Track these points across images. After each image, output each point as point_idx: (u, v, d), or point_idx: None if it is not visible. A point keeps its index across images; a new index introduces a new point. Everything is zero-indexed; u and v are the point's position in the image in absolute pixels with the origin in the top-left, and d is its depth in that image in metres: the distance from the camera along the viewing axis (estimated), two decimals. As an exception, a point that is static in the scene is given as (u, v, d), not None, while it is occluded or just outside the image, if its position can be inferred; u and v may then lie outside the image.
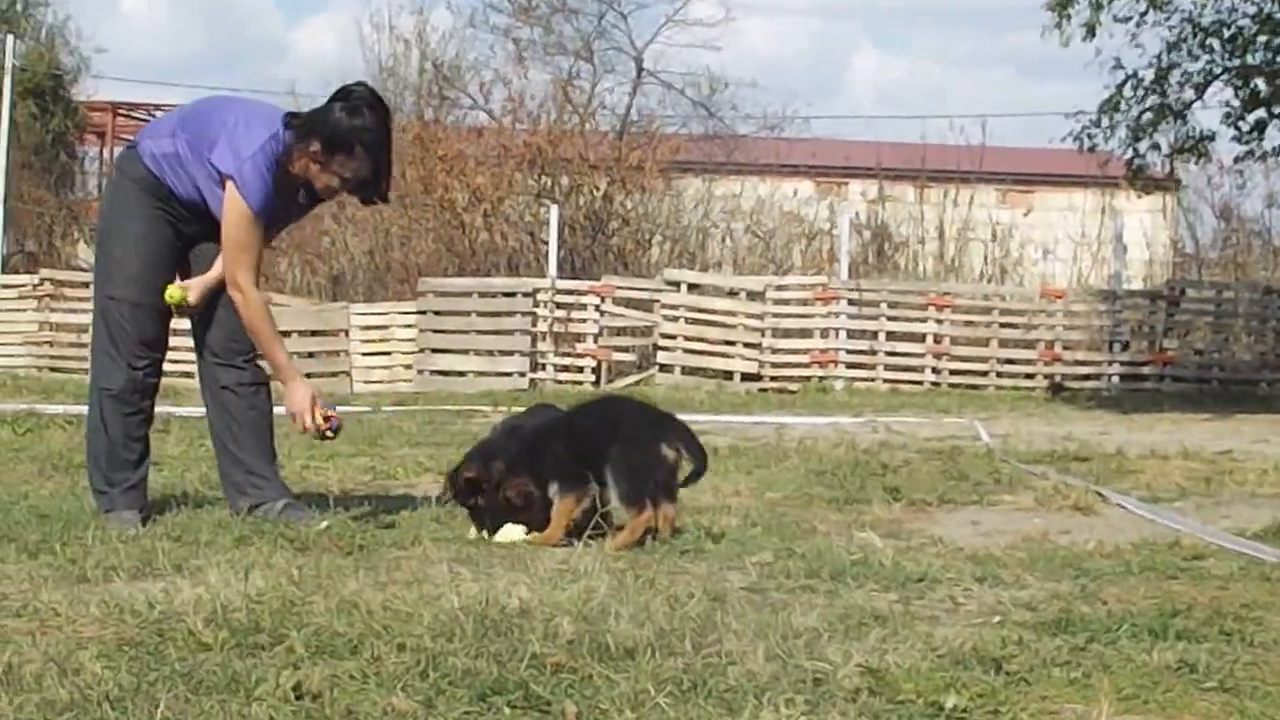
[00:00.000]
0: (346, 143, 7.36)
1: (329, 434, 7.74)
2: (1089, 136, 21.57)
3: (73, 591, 5.72)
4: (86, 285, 22.17)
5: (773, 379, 22.60)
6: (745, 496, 9.37)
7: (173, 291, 7.66)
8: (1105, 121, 21.38)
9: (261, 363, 7.86)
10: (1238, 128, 21.39)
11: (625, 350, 23.19)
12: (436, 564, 6.56)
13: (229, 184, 7.39)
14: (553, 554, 7.04)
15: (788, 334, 22.98)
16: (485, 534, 7.24)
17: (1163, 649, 4.96)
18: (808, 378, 22.58)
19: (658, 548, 7.27)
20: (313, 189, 7.59)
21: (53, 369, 23.43)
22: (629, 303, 23.16)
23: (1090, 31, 19.68)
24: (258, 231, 7.52)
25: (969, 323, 23.13)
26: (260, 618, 5.31)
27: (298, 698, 4.33)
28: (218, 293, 7.63)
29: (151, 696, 4.28)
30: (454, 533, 7.69)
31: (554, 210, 24.20)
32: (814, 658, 4.78)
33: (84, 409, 8.58)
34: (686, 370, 22.74)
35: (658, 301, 23.05)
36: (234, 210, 7.41)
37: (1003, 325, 23.14)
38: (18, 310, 24.48)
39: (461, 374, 22.40)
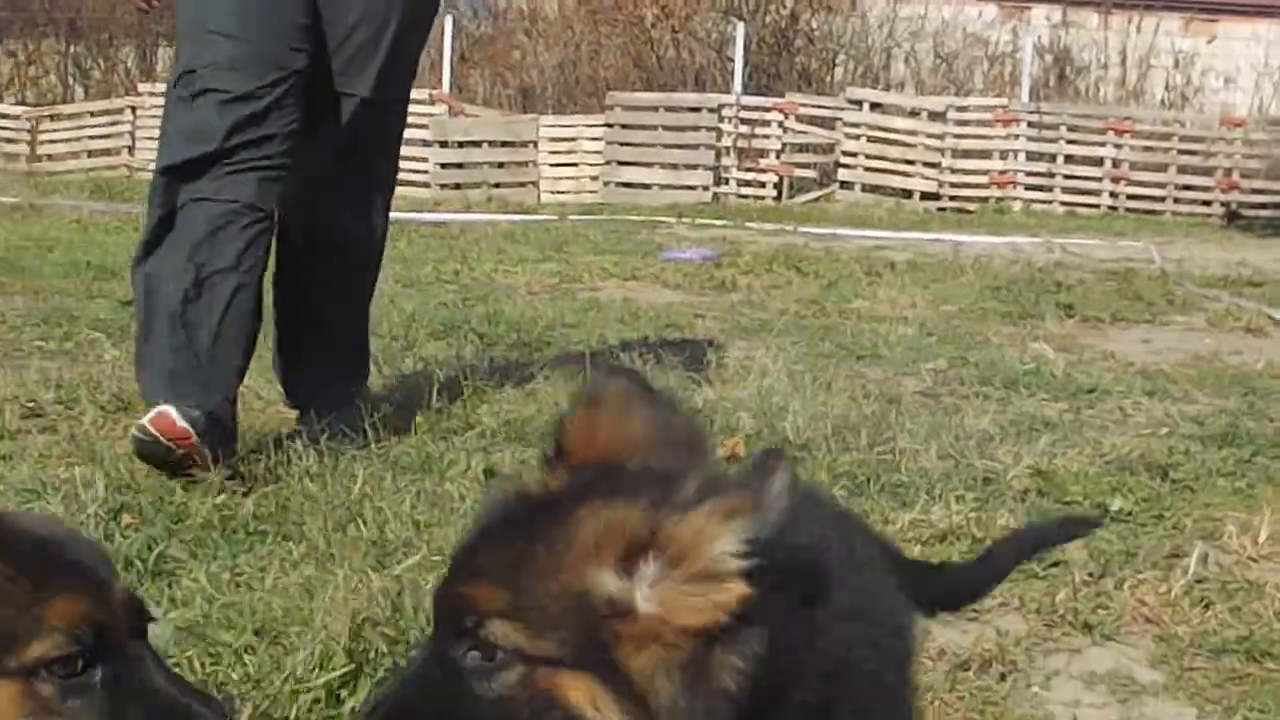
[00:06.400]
0: None
1: None
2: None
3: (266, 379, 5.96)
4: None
5: (951, 198, 22.56)
6: (921, 308, 9.57)
7: None
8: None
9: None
10: None
11: (807, 167, 23.28)
12: (619, 361, 6.89)
13: None
14: (734, 351, 7.35)
15: (967, 154, 22.88)
16: None
17: (1327, 463, 5.06)
18: (986, 198, 22.49)
19: (835, 352, 7.52)
20: None
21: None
22: (812, 120, 23.18)
23: None
24: None
25: (1148, 148, 22.83)
26: (453, 406, 5.65)
27: (488, 478, 4.63)
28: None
29: (350, 472, 4.67)
30: (637, 333, 8.03)
31: (740, 27, 24.21)
32: (985, 458, 5.08)
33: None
34: (866, 188, 22.76)
35: (840, 120, 23.04)
36: None
37: (1181, 152, 22.79)
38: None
39: (646, 186, 22.55)
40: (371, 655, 3.23)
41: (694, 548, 1.79)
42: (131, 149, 24.53)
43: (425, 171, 22.22)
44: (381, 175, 5.61)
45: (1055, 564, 4.11)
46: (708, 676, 1.82)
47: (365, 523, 4.14)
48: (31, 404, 5.74)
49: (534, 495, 2.00)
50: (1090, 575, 4.07)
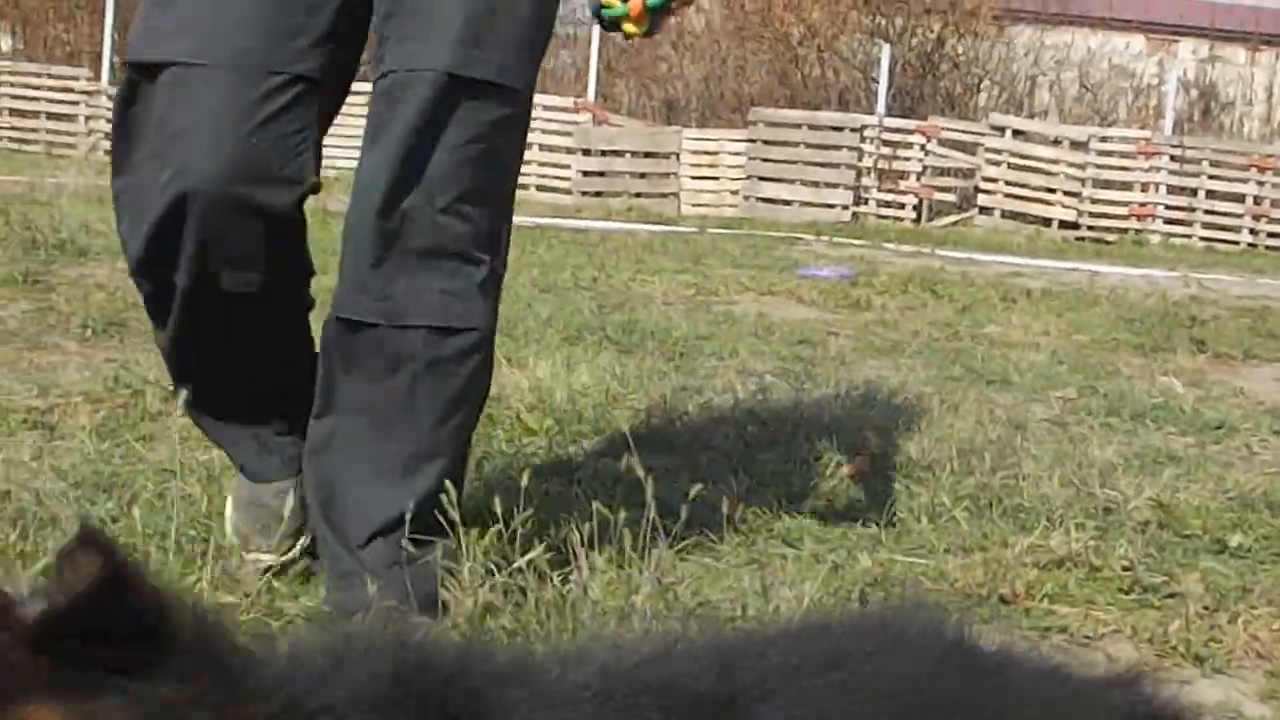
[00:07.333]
0: None
1: None
2: None
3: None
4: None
5: (1090, 228, 22.49)
6: (1054, 336, 9.53)
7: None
8: None
9: None
10: None
11: (947, 190, 23.36)
12: (751, 375, 6.88)
13: None
14: (863, 370, 7.40)
15: (1108, 185, 22.79)
16: None
17: None
18: (1125, 229, 22.41)
19: (965, 375, 7.51)
20: None
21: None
22: (953, 144, 23.23)
23: None
24: None
25: (1292, 187, 22.64)
26: (584, 410, 5.67)
27: (614, 484, 4.64)
28: None
29: (479, 471, 4.63)
30: (770, 348, 8.05)
31: (886, 49, 24.29)
32: (1107, 488, 5.02)
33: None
34: (1006, 214, 22.74)
35: (982, 145, 23.08)
36: None
37: (1326, 191, 22.51)
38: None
39: (787, 203, 22.64)
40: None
41: None
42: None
43: (567, 178, 22.40)
44: None
45: (1171, 595, 4.11)
46: None
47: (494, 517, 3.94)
48: (173, 387, 5.85)
49: None
50: (1205, 608, 4.04)
